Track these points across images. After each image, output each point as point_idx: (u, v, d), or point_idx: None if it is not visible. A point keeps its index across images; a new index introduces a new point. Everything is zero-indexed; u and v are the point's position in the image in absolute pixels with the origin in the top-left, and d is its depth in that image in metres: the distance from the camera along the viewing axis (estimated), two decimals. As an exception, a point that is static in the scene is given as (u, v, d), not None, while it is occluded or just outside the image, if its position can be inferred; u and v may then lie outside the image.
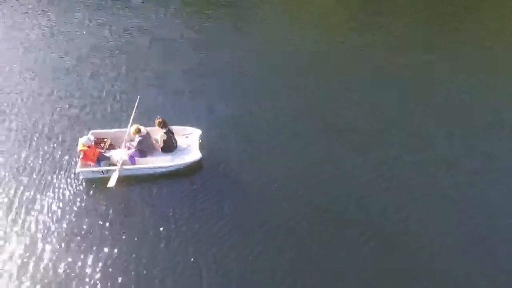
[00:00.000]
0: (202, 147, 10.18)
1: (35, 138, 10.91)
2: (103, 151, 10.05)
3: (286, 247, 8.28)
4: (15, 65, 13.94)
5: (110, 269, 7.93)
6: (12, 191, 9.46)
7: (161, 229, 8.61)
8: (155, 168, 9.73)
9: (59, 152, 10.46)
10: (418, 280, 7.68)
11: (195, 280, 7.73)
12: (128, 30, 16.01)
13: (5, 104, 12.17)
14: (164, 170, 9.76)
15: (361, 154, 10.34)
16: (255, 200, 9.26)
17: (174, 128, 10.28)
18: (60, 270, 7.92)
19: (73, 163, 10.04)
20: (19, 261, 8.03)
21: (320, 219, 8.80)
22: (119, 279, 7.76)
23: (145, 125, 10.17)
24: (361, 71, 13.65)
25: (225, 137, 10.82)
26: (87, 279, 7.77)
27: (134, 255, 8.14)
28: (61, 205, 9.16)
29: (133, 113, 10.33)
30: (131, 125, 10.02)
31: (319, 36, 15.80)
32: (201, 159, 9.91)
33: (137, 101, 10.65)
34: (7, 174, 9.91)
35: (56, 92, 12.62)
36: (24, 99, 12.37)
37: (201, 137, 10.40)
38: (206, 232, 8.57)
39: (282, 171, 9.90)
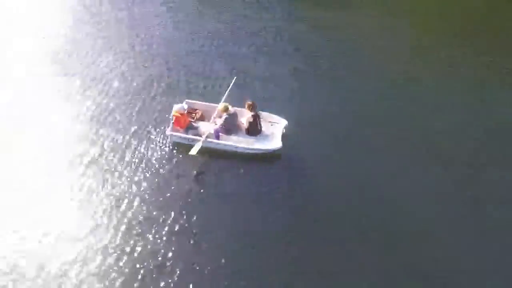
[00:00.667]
0: (284, 138, 10.30)
1: (138, 99, 11.86)
2: (193, 120, 10.65)
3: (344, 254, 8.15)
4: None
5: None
6: (107, 142, 10.48)
7: (224, 205, 9.10)
8: (236, 147, 10.08)
9: (156, 114, 11.33)
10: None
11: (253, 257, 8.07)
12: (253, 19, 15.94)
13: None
14: (244, 151, 10.08)
15: (459, 189, 9.56)
16: (323, 202, 9.19)
17: (262, 114, 10.53)
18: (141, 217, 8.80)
19: (165, 126, 10.78)
20: (109, 210, 8.90)
21: (391, 234, 8.53)
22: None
23: (235, 106, 10.56)
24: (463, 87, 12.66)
25: (308, 134, 10.75)
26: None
27: (188, 219, 8.73)
28: (147, 159, 10.03)
29: (227, 91, 10.78)
30: (222, 102, 10.47)
31: (419, 44, 14.72)
32: (280, 149, 10.05)
33: (233, 82, 11.10)
34: (105, 126, 10.94)
35: (163, 61, 13.47)
36: (131, 64, 13.39)
37: (286, 128, 10.50)
38: (266, 220, 8.80)
39: (358, 182, 9.62)
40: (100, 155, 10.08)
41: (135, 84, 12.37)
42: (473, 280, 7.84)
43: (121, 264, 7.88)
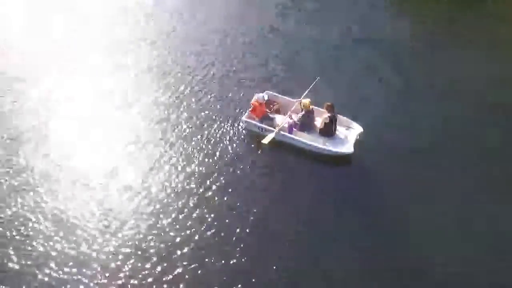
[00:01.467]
0: (357, 144, 10.12)
1: (222, 86, 12.34)
2: (269, 112, 10.85)
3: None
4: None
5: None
6: (187, 123, 11.09)
7: (286, 199, 9.24)
8: (307, 144, 10.09)
9: (236, 99, 11.79)
10: None
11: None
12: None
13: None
14: (314, 149, 10.07)
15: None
16: (386, 217, 8.93)
17: (339, 117, 10.43)
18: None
19: (242, 112, 11.14)
20: (168, 183, 9.51)
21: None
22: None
23: (313, 105, 10.58)
24: None
25: (382, 145, 10.43)
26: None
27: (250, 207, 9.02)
28: (217, 142, 10.49)
29: (308, 89, 10.82)
30: (303, 98, 10.54)
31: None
32: (351, 155, 9.90)
33: (315, 81, 11.10)
34: (185, 106, 11.60)
35: (253, 52, 13.85)
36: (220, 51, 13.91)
37: (361, 135, 10.31)
38: (323, 224, 8.80)
39: (428, 201, 9.18)
40: (180, 134, 10.71)
41: (220, 73, 12.84)
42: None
43: (186, 245, 8.37)
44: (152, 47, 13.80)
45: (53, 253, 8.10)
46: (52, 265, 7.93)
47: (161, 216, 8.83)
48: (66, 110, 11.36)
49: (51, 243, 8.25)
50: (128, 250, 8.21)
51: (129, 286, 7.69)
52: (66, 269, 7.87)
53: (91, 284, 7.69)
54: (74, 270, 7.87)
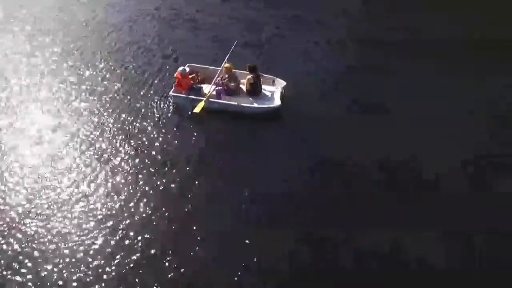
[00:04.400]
0: (284, 98, 10.62)
1: (140, 63, 12.24)
2: (194, 83, 10.94)
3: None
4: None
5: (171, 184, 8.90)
6: (110, 106, 10.86)
7: (221, 162, 9.44)
8: (236, 106, 10.39)
9: (159, 77, 11.71)
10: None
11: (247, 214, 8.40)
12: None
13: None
14: (244, 110, 10.40)
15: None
16: (316, 162, 9.42)
17: (262, 76, 10.81)
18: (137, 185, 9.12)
19: (167, 88, 11.11)
20: (110, 175, 9.15)
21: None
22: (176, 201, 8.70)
23: (237, 68, 10.84)
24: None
25: (308, 95, 11.01)
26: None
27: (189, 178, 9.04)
28: (149, 121, 10.38)
29: (228, 54, 11.03)
30: (224, 64, 10.75)
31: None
32: (280, 110, 10.39)
33: (234, 45, 11.35)
34: (109, 88, 11.37)
35: (164, 31, 13.81)
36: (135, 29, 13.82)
37: (285, 88, 10.81)
38: (263, 177, 9.09)
39: (355, 147, 9.74)
40: (107, 121, 10.42)
41: (142, 51, 12.73)
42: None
43: (120, 226, 8.18)
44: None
45: None
46: None
47: (103, 200, 8.62)
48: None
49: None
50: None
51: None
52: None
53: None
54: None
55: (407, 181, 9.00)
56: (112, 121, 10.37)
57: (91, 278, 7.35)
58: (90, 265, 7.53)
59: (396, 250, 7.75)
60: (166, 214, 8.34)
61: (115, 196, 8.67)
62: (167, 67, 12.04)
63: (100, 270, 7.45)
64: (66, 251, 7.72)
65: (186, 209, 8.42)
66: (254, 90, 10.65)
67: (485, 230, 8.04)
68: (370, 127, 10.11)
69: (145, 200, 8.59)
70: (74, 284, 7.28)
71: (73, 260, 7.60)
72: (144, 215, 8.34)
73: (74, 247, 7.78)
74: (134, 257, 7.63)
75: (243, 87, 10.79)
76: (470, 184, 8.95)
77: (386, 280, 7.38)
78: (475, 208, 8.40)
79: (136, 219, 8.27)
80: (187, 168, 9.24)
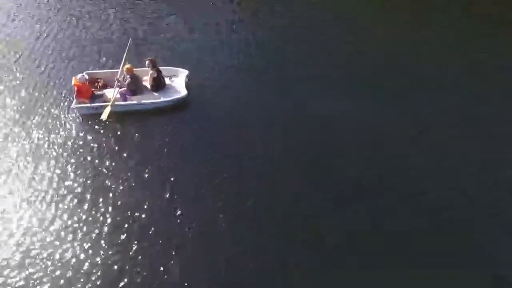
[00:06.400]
0: (190, 87, 10.80)
1: (35, 77, 11.64)
2: (96, 89, 10.73)
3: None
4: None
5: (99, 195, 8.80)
6: (11, 123, 10.31)
7: (144, 160, 9.35)
8: (144, 104, 10.42)
9: (56, 90, 11.21)
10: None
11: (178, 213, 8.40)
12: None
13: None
14: (152, 106, 10.45)
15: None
16: (232, 143, 9.73)
17: (162, 68, 10.87)
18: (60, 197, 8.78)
19: (69, 100, 10.74)
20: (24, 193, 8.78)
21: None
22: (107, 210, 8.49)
23: (135, 67, 10.75)
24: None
25: (212, 81, 11.32)
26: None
27: (119, 186, 8.85)
28: (58, 138, 9.92)
29: (125, 54, 10.90)
30: (123, 65, 10.63)
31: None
32: (187, 99, 10.57)
33: (129, 43, 11.24)
34: (6, 109, 10.72)
35: (56, 35, 13.19)
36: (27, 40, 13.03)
37: (188, 77, 11.00)
38: (184, 167, 9.21)
39: (264, 119, 10.20)
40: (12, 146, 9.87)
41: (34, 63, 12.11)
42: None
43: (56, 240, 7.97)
44: None
45: None
46: None
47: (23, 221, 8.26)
48: None
49: None
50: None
51: None
52: None
53: None
54: None
55: (320, 162, 9.23)
56: (20, 146, 9.81)
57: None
58: None
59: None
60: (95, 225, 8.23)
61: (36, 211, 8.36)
62: (63, 79, 11.56)
63: None
64: None
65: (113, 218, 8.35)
66: (159, 84, 10.72)
67: None
68: (277, 107, 10.52)
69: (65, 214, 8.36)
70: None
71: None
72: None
73: None
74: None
75: (147, 84, 10.80)
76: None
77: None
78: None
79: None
80: (110, 174, 9.12)
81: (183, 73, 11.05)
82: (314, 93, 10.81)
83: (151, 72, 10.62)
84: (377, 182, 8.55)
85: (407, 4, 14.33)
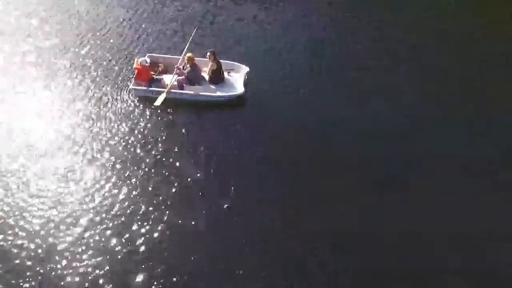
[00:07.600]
0: (247, 83, 10.51)
1: (100, 54, 11.79)
2: (155, 74, 10.69)
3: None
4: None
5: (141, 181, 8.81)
6: (72, 96, 10.55)
7: (191, 151, 9.37)
8: (199, 95, 10.24)
9: (117, 68, 11.32)
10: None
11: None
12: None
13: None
14: (208, 99, 10.27)
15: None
16: (283, 144, 9.55)
17: (223, 62, 10.63)
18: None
19: (128, 80, 10.81)
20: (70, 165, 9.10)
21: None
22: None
23: (197, 57, 10.60)
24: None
25: (272, 81, 10.94)
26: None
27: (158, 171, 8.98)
28: (112, 115, 10.10)
29: (188, 42, 10.77)
30: (185, 53, 10.50)
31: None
32: (244, 96, 10.29)
33: (194, 32, 11.09)
34: (70, 79, 11.01)
35: (122, 17, 13.30)
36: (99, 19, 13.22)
37: (248, 74, 10.68)
38: (231, 162, 9.17)
39: (313, 125, 9.92)
40: (70, 119, 10.10)
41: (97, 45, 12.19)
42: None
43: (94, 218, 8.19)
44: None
45: None
46: None
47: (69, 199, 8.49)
48: None
49: None
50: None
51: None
52: None
53: None
54: None
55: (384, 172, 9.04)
56: (75, 119, 10.05)
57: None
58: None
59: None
60: (141, 210, 8.30)
61: (79, 192, 8.59)
62: (126, 58, 11.63)
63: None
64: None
65: (163, 203, 8.43)
66: (217, 77, 10.49)
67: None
68: (334, 112, 10.14)
69: (116, 195, 8.53)
70: None
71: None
72: (119, 212, 8.29)
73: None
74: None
75: (205, 75, 10.60)
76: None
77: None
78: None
79: (105, 215, 8.22)
80: (156, 159, 9.16)
81: (243, 69, 10.74)
82: (387, 106, 10.32)
83: (211, 64, 10.41)
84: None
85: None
